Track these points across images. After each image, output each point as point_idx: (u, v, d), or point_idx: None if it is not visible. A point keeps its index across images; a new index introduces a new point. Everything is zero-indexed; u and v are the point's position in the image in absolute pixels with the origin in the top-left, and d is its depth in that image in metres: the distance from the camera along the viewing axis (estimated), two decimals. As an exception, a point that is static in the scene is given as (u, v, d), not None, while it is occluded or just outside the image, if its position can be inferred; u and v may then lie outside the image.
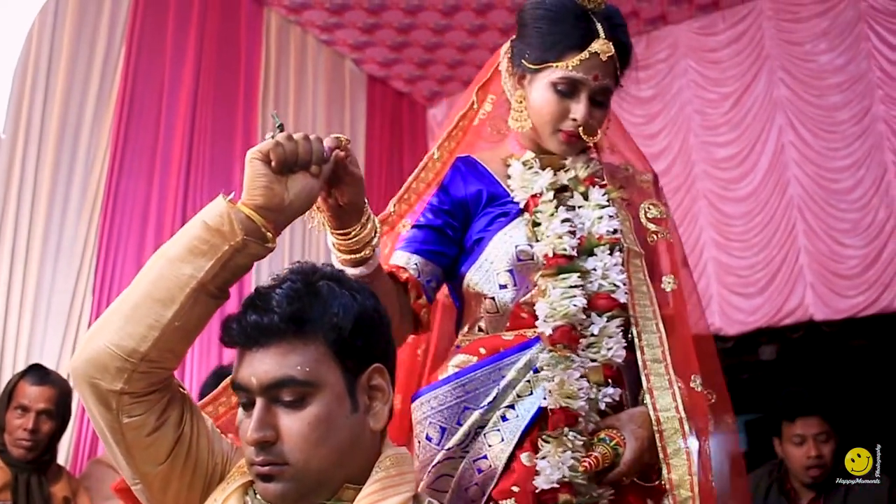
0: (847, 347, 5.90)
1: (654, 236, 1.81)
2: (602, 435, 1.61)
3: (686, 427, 1.61)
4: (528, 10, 1.81)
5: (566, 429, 1.58)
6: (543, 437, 1.61)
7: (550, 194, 1.75)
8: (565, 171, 1.80)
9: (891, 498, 3.23)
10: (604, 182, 1.80)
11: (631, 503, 1.64)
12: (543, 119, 1.77)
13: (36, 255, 4.08)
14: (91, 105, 4.44)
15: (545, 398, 1.62)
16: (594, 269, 1.70)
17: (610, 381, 1.65)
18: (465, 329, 1.81)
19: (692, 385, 1.69)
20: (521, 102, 1.80)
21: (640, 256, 1.76)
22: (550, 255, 1.69)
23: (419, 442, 1.69)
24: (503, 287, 1.73)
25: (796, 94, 5.30)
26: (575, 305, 1.64)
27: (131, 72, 4.61)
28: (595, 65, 1.71)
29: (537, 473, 1.58)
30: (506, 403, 1.65)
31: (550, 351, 1.63)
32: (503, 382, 1.65)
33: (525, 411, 1.64)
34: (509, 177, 1.81)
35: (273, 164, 1.33)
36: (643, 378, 1.66)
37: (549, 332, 1.64)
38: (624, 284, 1.70)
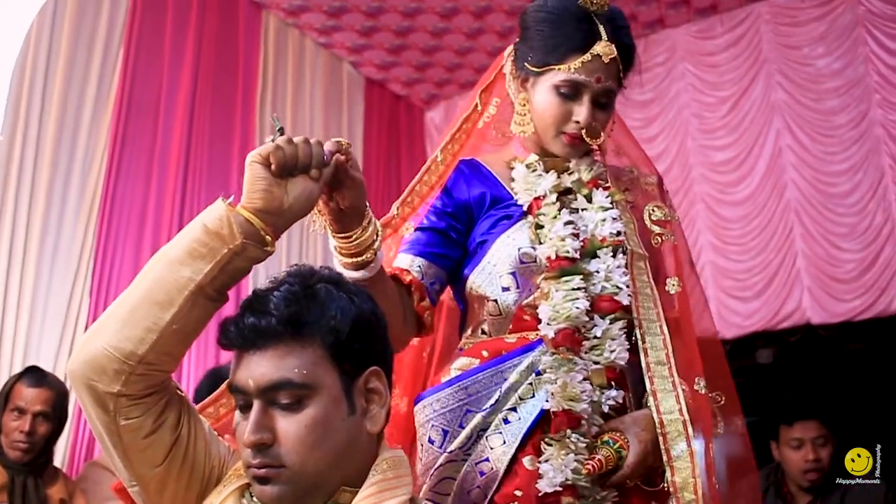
0: (844, 351, 5.90)
1: (659, 238, 1.81)
2: (605, 438, 1.61)
3: (690, 430, 1.60)
4: (530, 12, 1.81)
5: (569, 431, 1.58)
6: (546, 439, 1.60)
7: (553, 197, 1.75)
8: (569, 174, 1.80)
9: (887, 501, 3.24)
10: (607, 184, 1.80)
11: (634, 506, 1.64)
12: (546, 122, 1.76)
13: (33, 257, 4.08)
14: (89, 107, 4.44)
15: (547, 401, 1.61)
16: (597, 272, 1.70)
17: (613, 383, 1.65)
18: (469, 332, 1.81)
19: (696, 387, 1.69)
20: (524, 105, 1.80)
21: (644, 259, 1.76)
22: (553, 257, 1.69)
23: (422, 445, 1.70)
24: (506, 289, 1.72)
25: (794, 98, 5.31)
26: (577, 308, 1.64)
27: (129, 73, 4.61)
28: (597, 67, 1.71)
29: (540, 477, 1.58)
30: (508, 406, 1.65)
31: (553, 353, 1.63)
32: (505, 385, 1.65)
33: (527, 414, 1.64)
34: (513, 179, 1.81)
35: (273, 167, 1.33)
36: (647, 380, 1.65)
37: (551, 334, 1.64)
38: (627, 287, 1.69)
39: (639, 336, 1.69)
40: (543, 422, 1.63)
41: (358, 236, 1.52)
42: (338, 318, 1.27)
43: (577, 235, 1.71)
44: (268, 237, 1.34)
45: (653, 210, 1.83)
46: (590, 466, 1.55)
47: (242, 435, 1.25)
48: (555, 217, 1.72)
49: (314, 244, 5.39)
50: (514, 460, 1.62)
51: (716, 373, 1.78)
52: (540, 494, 1.57)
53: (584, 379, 1.62)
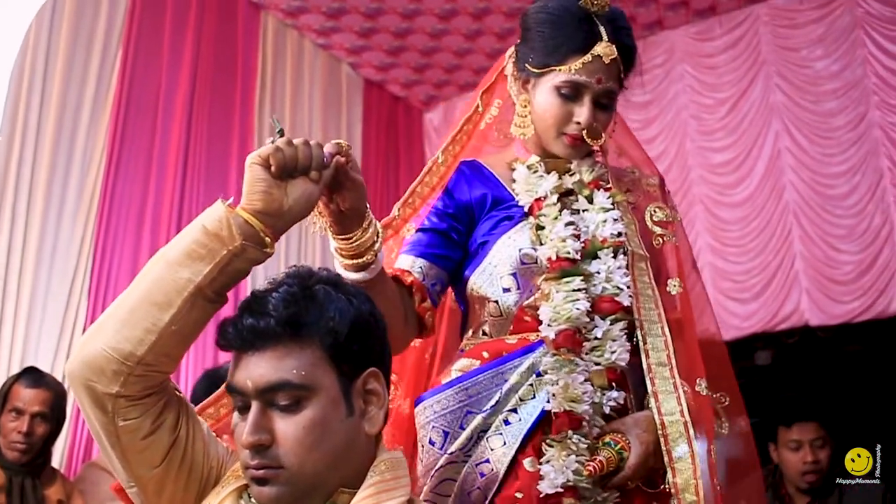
0: (842, 353, 5.91)
1: (660, 239, 1.81)
2: (607, 439, 1.61)
3: (691, 431, 1.60)
4: (531, 14, 1.81)
5: (570, 432, 1.58)
6: (547, 440, 1.60)
7: (554, 198, 1.75)
8: (570, 175, 1.80)
9: (885, 502, 3.24)
10: (609, 185, 1.80)
11: (636, 507, 1.64)
12: (547, 123, 1.76)
13: (31, 257, 4.08)
14: (87, 108, 4.44)
15: (548, 402, 1.61)
16: (597, 273, 1.70)
17: (614, 384, 1.65)
18: (470, 333, 1.81)
19: (697, 389, 1.69)
20: (525, 107, 1.80)
21: (645, 260, 1.75)
22: (554, 258, 1.68)
23: (422, 446, 1.69)
24: (506, 290, 1.72)
25: (792, 100, 5.31)
26: (578, 309, 1.64)
27: (128, 74, 4.60)
28: (598, 68, 1.71)
29: (541, 478, 1.58)
30: (508, 407, 1.64)
31: (554, 355, 1.63)
32: (506, 386, 1.65)
33: (528, 415, 1.63)
34: (514, 180, 1.81)
35: (273, 169, 1.33)
36: (648, 382, 1.65)
37: (552, 335, 1.64)
38: (628, 287, 1.69)
39: (640, 337, 1.69)
40: (544, 423, 1.63)
41: (358, 238, 1.52)
42: (336, 320, 1.28)
43: (577, 236, 1.71)
44: (267, 239, 1.34)
45: (654, 211, 1.83)
46: (591, 468, 1.55)
47: (241, 436, 1.25)
48: (556, 218, 1.72)
49: (313, 245, 5.40)
50: (515, 462, 1.62)
51: (719, 373, 1.78)
52: (541, 496, 1.57)
53: (586, 380, 1.62)
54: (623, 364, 1.66)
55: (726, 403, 1.76)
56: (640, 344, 1.68)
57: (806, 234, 5.15)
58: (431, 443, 1.67)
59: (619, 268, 1.70)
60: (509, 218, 1.77)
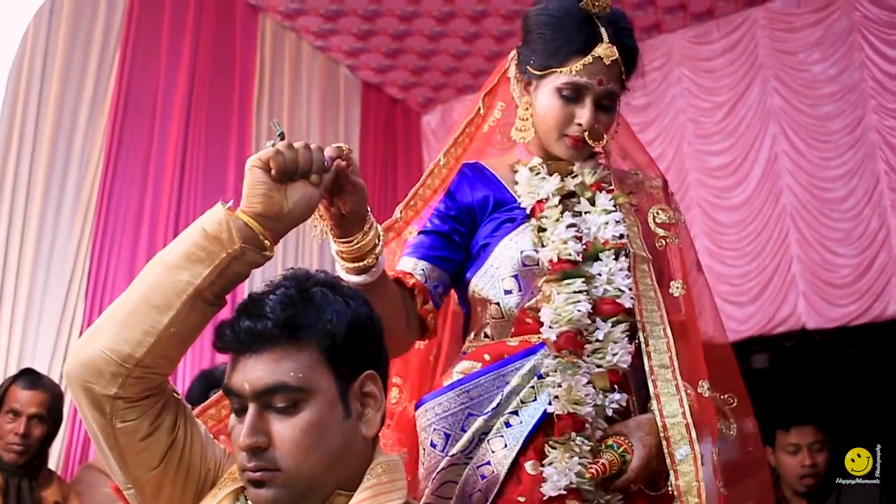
0: (839, 356, 5.91)
1: (663, 241, 1.81)
2: (609, 442, 1.61)
3: (693, 433, 1.60)
4: (532, 16, 1.81)
5: (573, 435, 1.58)
6: (550, 442, 1.60)
7: (556, 199, 1.75)
8: (572, 177, 1.80)
9: (882, 503, 3.25)
10: (611, 187, 1.80)
11: (639, 510, 1.64)
12: (549, 125, 1.76)
13: (29, 258, 4.07)
14: (85, 109, 4.43)
15: (550, 404, 1.61)
16: (599, 274, 1.70)
17: (616, 386, 1.65)
18: (472, 335, 1.81)
19: (700, 391, 1.68)
20: (527, 109, 1.80)
21: (647, 262, 1.75)
22: (555, 260, 1.68)
23: (424, 448, 1.69)
24: (508, 292, 1.72)
25: (790, 104, 5.32)
26: (579, 311, 1.64)
27: (126, 75, 4.59)
28: (599, 69, 1.71)
29: (544, 480, 1.58)
30: (510, 409, 1.65)
31: (556, 357, 1.63)
32: (507, 388, 1.65)
33: (529, 417, 1.63)
34: (516, 182, 1.81)
35: (273, 172, 1.33)
36: (650, 384, 1.65)
37: (553, 337, 1.64)
38: (630, 289, 1.69)
39: (642, 339, 1.69)
40: (545, 425, 1.63)
41: (359, 241, 1.52)
42: (333, 322, 1.27)
43: (579, 238, 1.71)
44: (267, 242, 1.34)
45: (657, 213, 1.83)
46: (594, 470, 1.55)
47: (237, 438, 1.25)
48: (557, 220, 1.72)
49: (310, 248, 5.39)
50: (516, 464, 1.62)
51: (725, 374, 1.78)
52: (544, 498, 1.57)
53: (588, 382, 1.62)
54: (625, 366, 1.66)
55: (734, 405, 1.76)
56: (642, 346, 1.68)
57: (803, 237, 5.16)
58: (433, 445, 1.67)
59: (620, 270, 1.70)
60: (511, 220, 1.77)
